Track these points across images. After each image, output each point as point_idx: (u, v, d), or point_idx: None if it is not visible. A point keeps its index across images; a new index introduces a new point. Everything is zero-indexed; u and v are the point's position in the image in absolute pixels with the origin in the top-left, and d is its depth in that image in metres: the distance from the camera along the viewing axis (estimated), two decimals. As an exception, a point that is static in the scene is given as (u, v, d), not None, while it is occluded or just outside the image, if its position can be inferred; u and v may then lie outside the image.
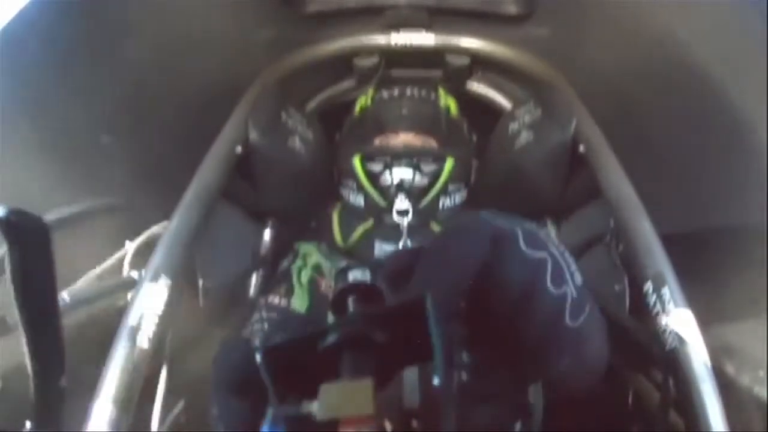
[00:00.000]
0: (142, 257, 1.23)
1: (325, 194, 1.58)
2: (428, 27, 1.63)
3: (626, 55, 1.34)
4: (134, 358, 0.95)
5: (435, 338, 0.50)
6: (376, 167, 1.47)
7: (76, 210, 1.21)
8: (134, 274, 1.22)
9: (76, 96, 1.14)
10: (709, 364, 0.92)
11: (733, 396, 0.94)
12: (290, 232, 1.57)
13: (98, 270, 1.21)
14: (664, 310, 0.99)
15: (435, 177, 1.47)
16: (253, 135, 1.44)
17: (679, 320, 0.97)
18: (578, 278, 0.67)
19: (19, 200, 1.04)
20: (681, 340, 0.95)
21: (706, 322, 0.96)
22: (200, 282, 1.31)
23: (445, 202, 1.50)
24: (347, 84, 1.75)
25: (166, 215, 1.21)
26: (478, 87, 1.74)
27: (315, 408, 0.50)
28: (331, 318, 0.65)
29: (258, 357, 0.55)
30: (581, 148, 1.39)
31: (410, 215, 1.41)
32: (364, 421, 0.48)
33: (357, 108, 1.64)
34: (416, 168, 1.45)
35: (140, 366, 0.95)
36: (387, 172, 1.46)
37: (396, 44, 1.64)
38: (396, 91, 1.60)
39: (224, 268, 1.41)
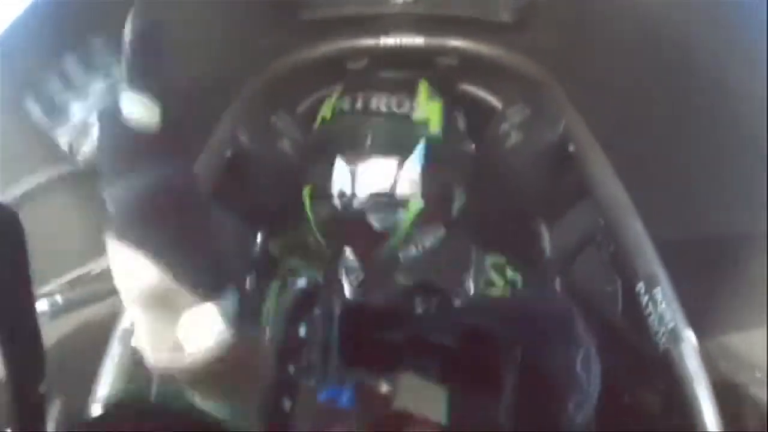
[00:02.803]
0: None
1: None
2: (422, 33, 1.61)
3: (623, 60, 1.35)
4: (129, 361, 0.95)
5: (503, 382, 0.52)
6: (324, 207, 1.24)
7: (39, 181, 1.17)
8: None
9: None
10: (702, 364, 0.93)
11: (729, 396, 0.95)
12: (282, 235, 1.57)
13: (91, 272, 1.21)
14: (656, 310, 1.00)
15: (391, 227, 1.21)
16: (243, 138, 1.44)
17: (671, 321, 0.98)
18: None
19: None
20: (674, 341, 0.96)
21: (703, 324, 0.97)
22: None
23: (409, 252, 1.24)
24: (337, 86, 1.74)
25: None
26: (468, 87, 1.74)
27: (395, 393, 0.51)
28: None
29: (336, 308, 0.55)
30: (571, 147, 1.40)
31: (357, 273, 1.17)
32: (431, 426, 0.49)
33: (318, 120, 1.38)
34: (369, 213, 1.20)
35: (135, 368, 0.95)
36: (333, 214, 1.22)
37: (385, 45, 1.62)
38: (359, 102, 1.29)
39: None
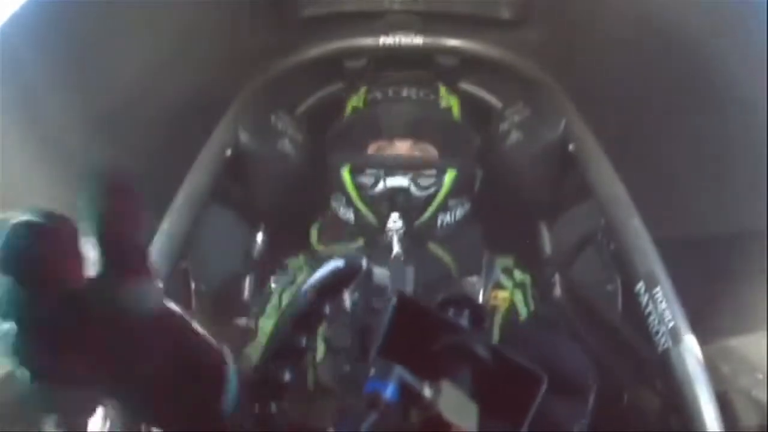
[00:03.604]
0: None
1: (316, 196, 1.56)
2: (422, 31, 1.60)
3: (623, 59, 1.34)
4: None
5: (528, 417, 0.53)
6: (367, 180, 1.35)
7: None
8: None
9: (68, 100, 1.13)
10: (702, 363, 0.92)
11: (730, 398, 0.94)
12: (282, 234, 1.57)
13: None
14: (656, 310, 1.00)
15: (433, 192, 1.34)
16: (243, 137, 1.43)
17: (671, 320, 0.97)
18: None
19: (8, 200, 1.04)
20: (674, 341, 0.95)
21: (704, 325, 0.97)
22: (192, 285, 1.31)
23: (444, 219, 1.37)
24: (337, 86, 1.74)
25: (157, 218, 1.21)
26: (468, 87, 1.73)
27: (437, 399, 0.51)
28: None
29: (393, 300, 0.55)
30: (571, 147, 1.39)
31: (402, 233, 1.26)
32: None
33: (348, 109, 1.50)
34: (412, 182, 1.32)
35: None
36: (379, 186, 1.33)
37: (384, 44, 1.62)
38: (391, 92, 1.45)
39: (217, 271, 1.41)
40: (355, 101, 1.49)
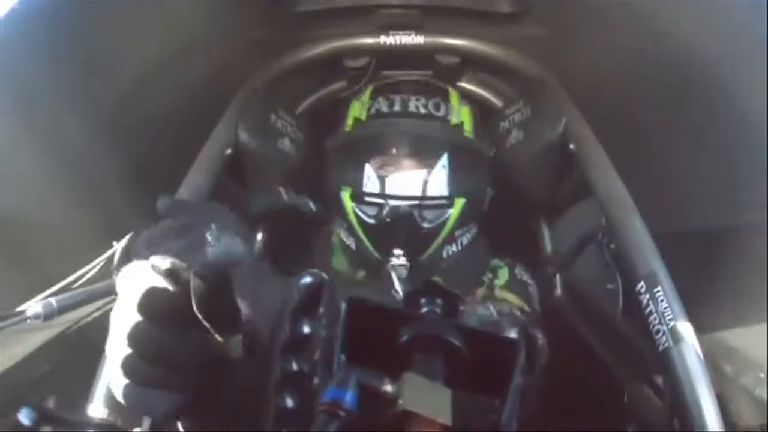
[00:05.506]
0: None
1: (315, 197, 1.55)
2: (420, 26, 1.59)
3: (621, 54, 1.34)
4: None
5: (514, 385, 0.52)
6: (369, 210, 1.28)
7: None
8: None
9: (66, 99, 1.13)
10: (703, 362, 0.91)
11: (732, 397, 0.94)
12: (281, 235, 1.56)
13: (86, 272, 1.20)
14: (657, 309, 0.99)
15: (439, 225, 1.27)
16: (243, 137, 1.43)
17: (672, 319, 0.97)
18: None
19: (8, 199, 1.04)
20: (675, 340, 0.95)
21: (705, 323, 0.96)
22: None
23: (450, 250, 1.31)
24: (338, 85, 1.73)
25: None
26: (468, 86, 1.73)
27: (399, 393, 0.51)
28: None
29: (343, 305, 0.55)
30: (571, 146, 1.39)
31: (405, 272, 1.21)
32: (436, 426, 0.49)
33: (350, 120, 1.39)
34: (417, 213, 1.24)
35: None
36: (381, 217, 1.25)
37: (385, 44, 1.62)
38: (397, 104, 1.34)
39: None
40: (358, 110, 1.39)
